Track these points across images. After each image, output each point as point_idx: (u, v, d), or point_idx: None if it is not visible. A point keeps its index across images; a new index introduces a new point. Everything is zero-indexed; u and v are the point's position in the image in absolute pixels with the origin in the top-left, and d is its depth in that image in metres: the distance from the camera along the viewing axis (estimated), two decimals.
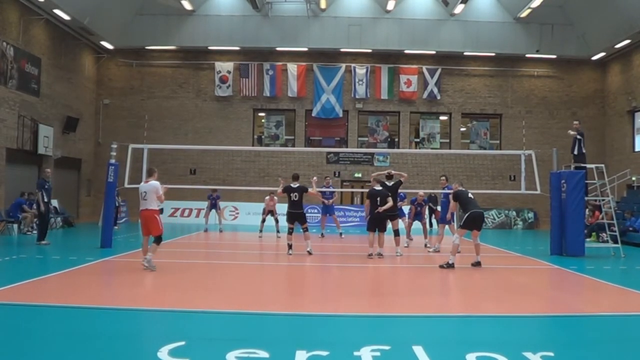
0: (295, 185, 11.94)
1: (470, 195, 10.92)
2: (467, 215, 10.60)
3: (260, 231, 16.56)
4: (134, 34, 23.70)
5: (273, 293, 8.15)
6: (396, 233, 12.21)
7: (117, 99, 24.78)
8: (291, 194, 11.83)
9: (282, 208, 16.73)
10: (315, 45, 23.82)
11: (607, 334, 5.86)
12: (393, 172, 12.91)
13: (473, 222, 10.58)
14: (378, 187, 11.88)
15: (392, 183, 12.14)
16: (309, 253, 11.76)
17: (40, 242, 12.94)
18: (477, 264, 10.54)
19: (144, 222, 9.44)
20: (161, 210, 14.05)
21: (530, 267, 11.13)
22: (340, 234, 16.73)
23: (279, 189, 12.32)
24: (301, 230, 12.21)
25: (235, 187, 21.07)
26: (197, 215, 22.89)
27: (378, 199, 11.59)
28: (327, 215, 16.89)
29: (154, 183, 9.44)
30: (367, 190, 13.07)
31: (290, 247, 11.87)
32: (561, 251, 12.80)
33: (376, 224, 11.69)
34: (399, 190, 12.87)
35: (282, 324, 6.00)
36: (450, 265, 10.20)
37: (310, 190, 12.21)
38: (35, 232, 14.96)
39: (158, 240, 9.41)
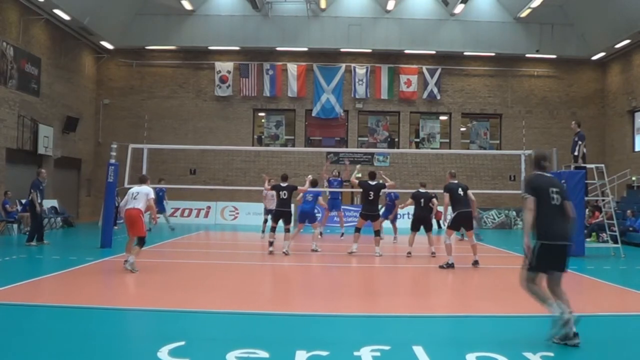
0: (284, 184, 12.12)
1: (460, 191, 10.53)
2: (454, 215, 10.49)
3: (263, 232, 15.96)
4: (134, 34, 23.69)
5: (273, 293, 8.15)
6: (376, 233, 12.23)
7: (117, 99, 24.77)
8: (280, 192, 11.99)
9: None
10: (315, 45, 23.82)
11: (607, 334, 5.85)
12: (383, 174, 13.02)
13: (460, 222, 10.51)
14: (423, 190, 12.14)
15: (375, 183, 12.11)
16: (285, 253, 11.69)
17: (30, 244, 12.59)
18: (475, 263, 10.52)
19: (130, 221, 9.24)
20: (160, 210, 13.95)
21: None
22: (342, 234, 16.25)
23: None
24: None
25: (235, 187, 21.08)
26: (197, 215, 22.93)
27: (422, 200, 11.89)
28: (331, 212, 16.28)
29: (148, 188, 9.48)
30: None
31: (271, 244, 11.91)
32: None
33: (420, 223, 11.98)
34: (390, 190, 13.06)
35: (282, 324, 6.00)
36: (450, 265, 10.20)
37: (300, 188, 12.36)
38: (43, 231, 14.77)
39: (141, 242, 9.26)
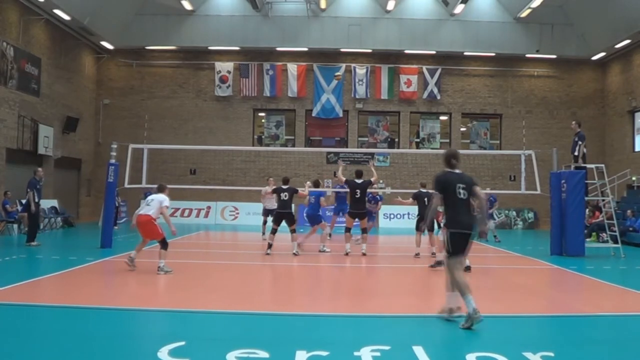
0: (285, 186, 12.16)
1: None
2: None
3: (263, 234, 15.63)
4: (134, 34, 23.69)
5: (273, 293, 8.15)
6: (364, 231, 12.27)
7: (117, 99, 24.77)
8: (281, 194, 12.02)
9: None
10: (315, 45, 23.81)
11: (607, 334, 5.86)
12: (373, 165, 12.97)
13: None
14: (424, 190, 11.98)
15: (360, 181, 12.12)
16: (295, 254, 11.79)
17: (30, 244, 12.59)
18: (467, 269, 10.12)
19: (142, 227, 9.29)
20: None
21: (530, 267, 11.13)
22: (330, 234, 15.74)
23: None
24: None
25: (235, 187, 21.08)
26: (197, 215, 22.94)
27: (425, 199, 11.65)
28: (338, 215, 15.87)
29: (164, 196, 9.50)
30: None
31: (270, 246, 11.94)
32: (561, 251, 12.80)
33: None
34: (371, 191, 13.00)
35: (282, 324, 6.00)
36: (439, 264, 9.96)
37: (300, 191, 12.37)
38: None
39: (163, 244, 9.27)
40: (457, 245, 6.00)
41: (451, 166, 6.33)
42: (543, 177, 14.00)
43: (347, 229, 12.32)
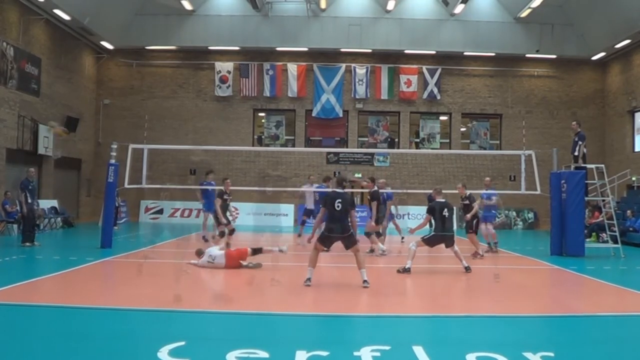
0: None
1: (445, 212, 9.86)
2: (432, 234, 10.04)
3: (299, 235, 14.88)
4: (134, 34, 23.68)
5: (273, 293, 8.15)
6: (367, 235, 12.56)
7: (117, 99, 24.76)
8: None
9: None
10: (315, 45, 23.81)
11: (607, 334, 5.86)
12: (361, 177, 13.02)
13: (437, 242, 10.03)
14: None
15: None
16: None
17: (25, 244, 12.51)
18: (467, 269, 9.78)
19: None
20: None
21: (530, 267, 11.13)
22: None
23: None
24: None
25: (235, 187, 21.00)
26: (197, 216, 22.87)
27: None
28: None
29: (220, 252, 9.81)
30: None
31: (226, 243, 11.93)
32: (561, 251, 12.80)
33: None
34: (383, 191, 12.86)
35: (282, 324, 6.01)
36: (406, 270, 9.65)
37: (217, 197, 12.95)
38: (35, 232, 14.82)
39: (254, 251, 9.95)
40: (325, 241, 8.38)
41: (339, 187, 8.67)
42: (543, 177, 13.99)
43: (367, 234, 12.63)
